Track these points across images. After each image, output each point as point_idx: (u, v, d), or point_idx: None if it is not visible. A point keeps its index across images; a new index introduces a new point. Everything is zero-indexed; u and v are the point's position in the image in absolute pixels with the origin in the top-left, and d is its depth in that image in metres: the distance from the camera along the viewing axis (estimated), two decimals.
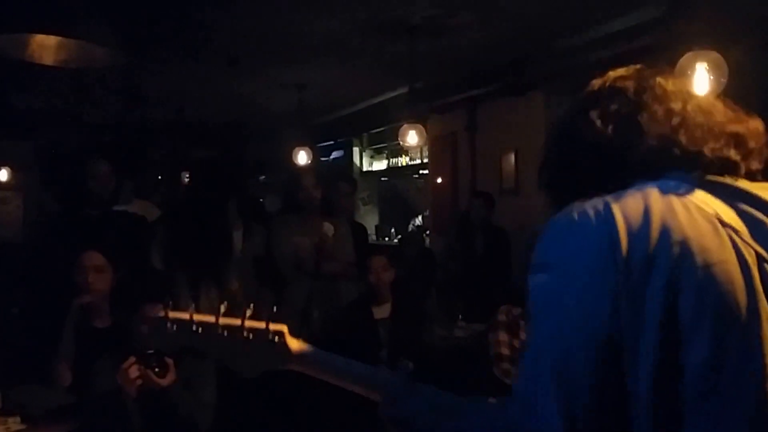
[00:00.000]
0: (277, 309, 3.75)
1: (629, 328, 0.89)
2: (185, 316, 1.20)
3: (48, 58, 3.04)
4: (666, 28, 4.04)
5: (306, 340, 1.24)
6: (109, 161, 3.84)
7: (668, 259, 0.89)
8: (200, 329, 1.19)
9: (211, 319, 1.19)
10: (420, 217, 9.00)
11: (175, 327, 1.20)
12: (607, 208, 0.95)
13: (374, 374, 1.23)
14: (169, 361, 2.57)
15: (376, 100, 7.50)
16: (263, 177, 10.36)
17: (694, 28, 3.44)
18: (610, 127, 1.06)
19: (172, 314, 1.20)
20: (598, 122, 1.07)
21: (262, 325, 1.20)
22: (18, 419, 2.75)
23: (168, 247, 3.74)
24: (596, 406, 0.90)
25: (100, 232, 3.67)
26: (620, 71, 1.13)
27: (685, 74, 3.26)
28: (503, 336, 3.35)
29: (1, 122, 5.85)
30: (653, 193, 0.95)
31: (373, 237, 8.64)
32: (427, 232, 7.90)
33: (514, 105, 5.80)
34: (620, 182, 1.01)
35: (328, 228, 4.10)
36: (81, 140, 7.06)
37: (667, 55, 3.37)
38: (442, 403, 1.14)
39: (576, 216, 0.97)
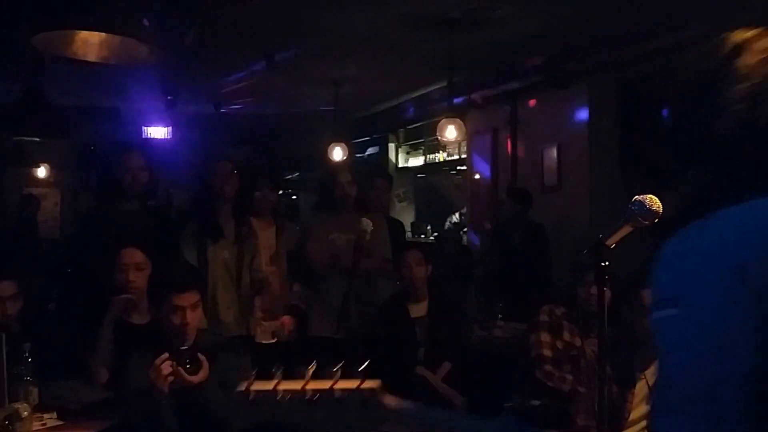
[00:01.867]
0: (312, 305, 3.70)
1: None
2: (269, 386, 1.10)
3: (91, 55, 3.07)
4: (719, 16, 3.88)
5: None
6: (143, 154, 3.82)
7: None
8: (286, 398, 1.09)
9: (297, 385, 1.09)
10: (457, 214, 8.88)
11: (256, 399, 1.11)
12: (735, 224, 0.84)
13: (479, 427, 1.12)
14: (202, 358, 2.54)
15: (413, 95, 7.42)
16: (297, 174, 10.37)
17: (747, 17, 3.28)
18: (754, 111, 0.90)
19: (255, 386, 1.11)
20: (741, 103, 0.90)
21: (353, 384, 1.09)
22: (54, 415, 2.76)
23: (198, 241, 3.75)
24: None
25: (135, 227, 3.67)
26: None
27: None
28: (545, 337, 3.24)
29: (40, 120, 5.94)
30: None
31: (409, 234, 8.56)
32: (465, 229, 7.79)
33: (556, 98, 5.66)
34: (753, 179, 0.89)
35: (367, 224, 4.03)
36: (118, 136, 7.12)
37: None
38: None
39: (698, 238, 0.86)
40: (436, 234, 8.76)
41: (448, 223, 8.90)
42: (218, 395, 2.57)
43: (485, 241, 6.10)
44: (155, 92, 6.47)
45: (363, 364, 1.12)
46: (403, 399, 1.11)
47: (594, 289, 1.91)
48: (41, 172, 7.84)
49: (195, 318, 2.70)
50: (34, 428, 2.64)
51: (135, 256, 3.14)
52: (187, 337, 2.68)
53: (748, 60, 0.92)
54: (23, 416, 2.60)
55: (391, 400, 1.10)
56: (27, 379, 2.79)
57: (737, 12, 3.50)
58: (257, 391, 1.10)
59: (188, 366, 2.52)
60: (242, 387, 1.11)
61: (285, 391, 1.09)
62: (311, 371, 1.09)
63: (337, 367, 1.09)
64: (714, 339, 0.81)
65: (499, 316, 4.72)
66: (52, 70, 4.75)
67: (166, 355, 2.50)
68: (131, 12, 2.81)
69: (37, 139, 7.30)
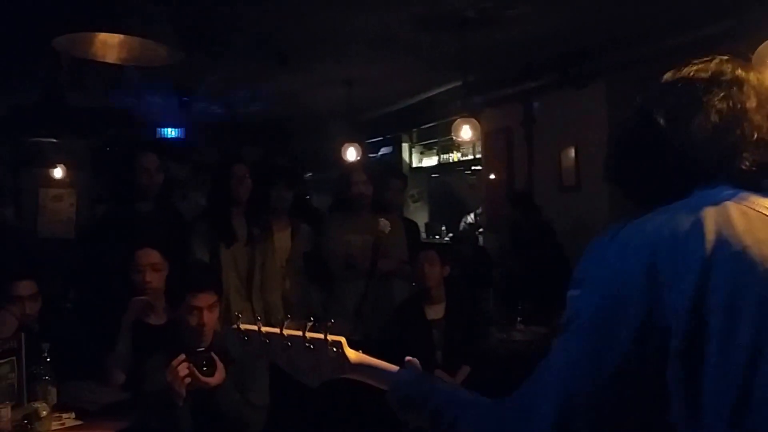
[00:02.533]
0: (328, 307, 3.71)
1: (685, 352, 0.86)
2: (254, 327, 1.31)
3: (111, 56, 3.09)
4: (740, 13, 3.83)
5: (360, 339, 1.37)
6: (157, 155, 3.82)
7: (726, 272, 0.86)
8: (267, 340, 1.30)
9: (276, 330, 1.29)
10: (472, 215, 8.84)
11: (246, 337, 1.31)
12: (653, 227, 0.93)
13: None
14: (218, 360, 2.52)
15: (427, 95, 7.39)
16: (310, 174, 10.37)
17: None
18: (672, 126, 1.00)
19: (243, 326, 1.31)
20: (661, 120, 1.01)
21: (321, 336, 1.27)
22: (73, 415, 2.77)
23: (210, 241, 3.73)
24: (596, 419, 0.90)
25: (151, 228, 3.66)
26: (698, 63, 1.05)
27: (764, 63, 3.06)
28: None
29: (58, 121, 5.98)
30: (707, 204, 0.92)
31: (423, 235, 8.52)
32: (480, 230, 7.75)
33: (573, 98, 5.60)
34: (682, 185, 0.98)
35: (384, 224, 4.01)
36: (133, 138, 7.15)
37: (741, 42, 3.17)
38: (448, 391, 1.19)
39: (618, 236, 0.95)
40: (451, 235, 8.71)
41: (463, 224, 8.86)
42: (234, 397, 2.57)
43: (502, 244, 6.05)
44: (170, 93, 6.49)
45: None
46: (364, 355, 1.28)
47: None
48: (58, 172, 7.88)
49: (212, 319, 2.70)
50: (53, 428, 2.66)
51: (151, 256, 3.14)
52: (203, 338, 2.67)
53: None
54: (42, 416, 2.61)
55: (352, 354, 1.27)
56: (46, 379, 2.82)
57: (756, 8, 3.46)
58: (246, 329, 1.31)
59: (204, 368, 2.51)
60: (235, 325, 1.32)
61: (267, 333, 1.30)
62: (286, 322, 1.30)
63: (310, 320, 1.29)
64: (595, 314, 0.93)
65: (519, 318, 4.67)
66: (71, 72, 4.77)
67: (183, 356, 2.50)
68: (150, 13, 2.81)
69: (54, 140, 7.34)
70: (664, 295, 0.87)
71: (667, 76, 1.07)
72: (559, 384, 0.92)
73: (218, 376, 2.52)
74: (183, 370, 2.47)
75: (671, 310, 0.87)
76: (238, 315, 1.35)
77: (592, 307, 0.93)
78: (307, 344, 1.26)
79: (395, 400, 1.21)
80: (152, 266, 3.12)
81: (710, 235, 0.88)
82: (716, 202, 0.92)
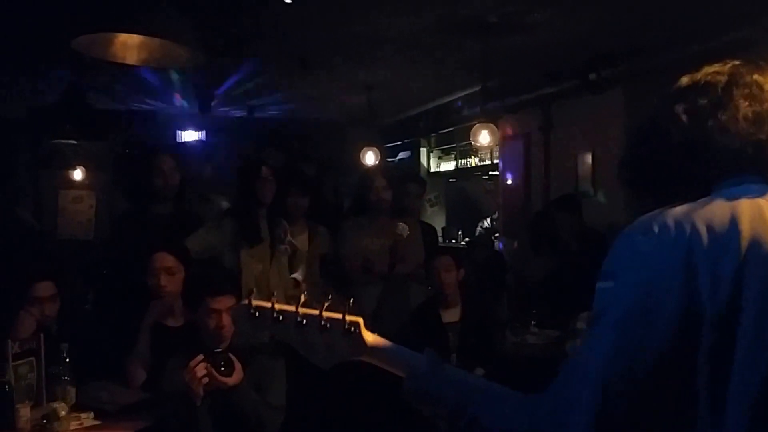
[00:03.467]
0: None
1: (715, 350, 0.87)
2: (267, 304, 1.23)
3: (131, 58, 3.09)
4: (759, 20, 3.80)
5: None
6: (174, 157, 3.85)
7: (759, 272, 0.88)
8: (281, 317, 1.22)
9: (291, 308, 1.22)
10: (488, 220, 8.82)
11: (257, 314, 1.23)
12: (689, 220, 0.92)
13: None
14: (236, 360, 2.54)
15: (446, 100, 7.39)
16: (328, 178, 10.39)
17: None
18: (694, 124, 1.02)
19: (255, 302, 1.23)
20: (684, 117, 1.03)
21: (339, 315, 1.21)
22: (91, 414, 2.79)
23: (232, 243, 3.74)
24: (633, 415, 0.89)
25: (167, 230, 3.69)
26: (714, 66, 1.08)
27: None
28: None
29: (79, 123, 6.03)
30: (742, 201, 0.93)
31: (439, 239, 8.52)
32: (496, 234, 7.73)
33: (591, 104, 5.58)
34: (703, 183, 0.99)
35: (403, 228, 4.02)
36: (153, 140, 7.20)
37: (760, 49, 3.15)
38: (468, 384, 1.16)
39: (653, 228, 0.95)
40: (467, 239, 8.70)
41: (479, 228, 8.84)
42: (252, 397, 2.58)
43: (518, 249, 6.02)
44: (190, 96, 6.54)
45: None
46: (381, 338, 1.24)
47: None
48: (77, 174, 7.95)
49: (230, 321, 2.69)
50: (72, 427, 2.68)
51: (166, 260, 3.14)
52: (222, 340, 2.69)
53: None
54: (61, 415, 2.64)
55: (369, 336, 1.22)
56: (65, 379, 2.85)
57: None
58: (258, 306, 1.23)
59: (222, 368, 2.53)
60: (246, 301, 1.24)
61: (281, 309, 1.23)
62: (304, 299, 1.23)
63: (327, 299, 1.24)
64: (631, 307, 0.92)
65: (533, 322, 4.65)
66: (91, 73, 4.82)
67: (201, 357, 2.52)
68: (171, 15, 2.82)
69: (74, 142, 7.41)
70: (700, 290, 0.88)
71: (685, 79, 1.09)
72: (596, 378, 0.91)
73: (236, 377, 2.53)
74: (201, 370, 2.49)
75: (706, 304, 0.88)
76: (251, 290, 1.30)
77: (628, 300, 0.92)
78: (323, 323, 1.21)
79: (410, 392, 1.18)
80: (166, 270, 3.12)
81: (746, 233, 0.90)
82: (750, 198, 0.94)
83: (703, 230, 0.91)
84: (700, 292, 0.88)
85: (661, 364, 0.89)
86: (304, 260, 4.02)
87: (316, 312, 1.21)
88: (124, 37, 2.96)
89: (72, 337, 3.00)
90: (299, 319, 1.21)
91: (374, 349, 1.22)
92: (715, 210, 0.93)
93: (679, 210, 0.95)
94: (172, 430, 2.60)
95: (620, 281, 0.94)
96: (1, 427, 2.62)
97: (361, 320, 1.22)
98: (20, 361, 2.76)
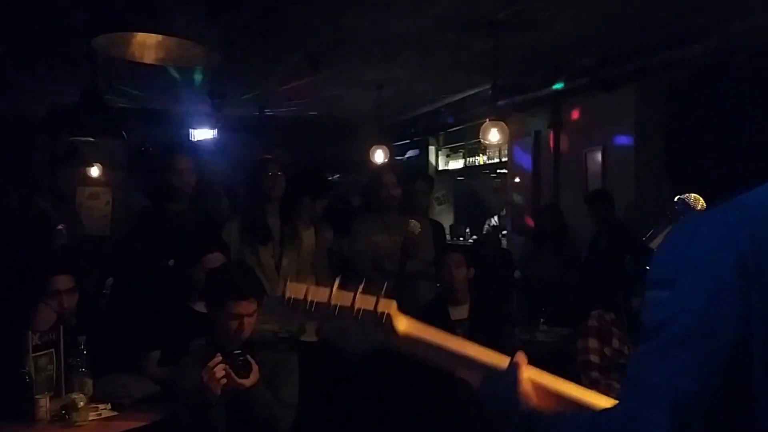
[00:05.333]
0: None
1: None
2: (301, 294, 1.21)
3: (149, 57, 3.11)
4: None
5: None
6: (191, 156, 3.89)
7: None
8: (314, 306, 1.20)
9: (325, 296, 1.20)
10: (496, 217, 8.85)
11: (291, 303, 1.21)
12: (737, 221, 0.92)
13: (485, 352, 1.19)
14: (254, 362, 2.55)
15: (455, 98, 7.40)
16: (338, 176, 10.43)
17: None
18: (757, 117, 1.01)
19: (287, 293, 1.22)
20: (732, 116, 1.02)
21: (371, 302, 1.18)
22: (108, 406, 2.84)
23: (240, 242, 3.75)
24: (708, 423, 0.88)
25: (184, 227, 3.73)
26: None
27: None
28: (594, 343, 3.20)
29: (97, 121, 6.08)
30: None
31: (447, 237, 8.54)
32: (504, 232, 7.75)
33: (601, 102, 5.59)
34: (748, 175, 0.98)
35: (415, 225, 4.05)
36: (168, 138, 7.26)
37: None
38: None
39: (702, 232, 0.93)
40: (474, 237, 8.73)
41: (486, 226, 8.87)
42: (266, 397, 2.59)
43: (527, 246, 6.03)
44: (202, 94, 6.58)
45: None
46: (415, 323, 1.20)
47: None
48: (94, 171, 8.08)
49: (251, 324, 2.68)
50: (90, 418, 2.72)
51: (218, 259, 3.21)
52: (240, 342, 2.67)
53: None
54: (80, 406, 2.68)
55: (402, 323, 1.18)
56: (82, 371, 2.88)
57: None
58: (291, 298, 1.22)
59: (241, 371, 2.52)
60: (279, 292, 1.23)
61: (313, 301, 1.20)
62: (337, 284, 1.21)
63: (359, 286, 1.21)
64: (697, 320, 0.89)
65: (542, 320, 4.68)
66: (110, 72, 4.86)
67: (220, 358, 2.51)
68: (188, 15, 2.85)
69: (92, 140, 7.50)
70: (754, 291, 0.88)
71: (739, 57, 1.08)
72: (670, 392, 0.89)
73: (253, 378, 2.54)
74: (220, 371, 2.48)
75: (759, 306, 0.87)
76: (285, 281, 1.27)
77: (695, 311, 0.90)
78: (355, 312, 1.19)
79: (489, 395, 1.15)
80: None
81: None
82: None
83: (754, 231, 0.91)
84: (753, 293, 0.87)
85: (733, 370, 0.88)
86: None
87: (349, 301, 1.20)
88: (142, 37, 2.99)
89: (89, 329, 3.05)
90: (331, 308, 1.20)
91: (408, 339, 1.19)
92: (760, 210, 0.93)
93: (722, 210, 0.95)
94: (185, 426, 2.61)
95: (679, 290, 0.92)
96: (21, 417, 2.67)
97: (393, 308, 1.19)
98: (40, 353, 2.81)
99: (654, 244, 1.76)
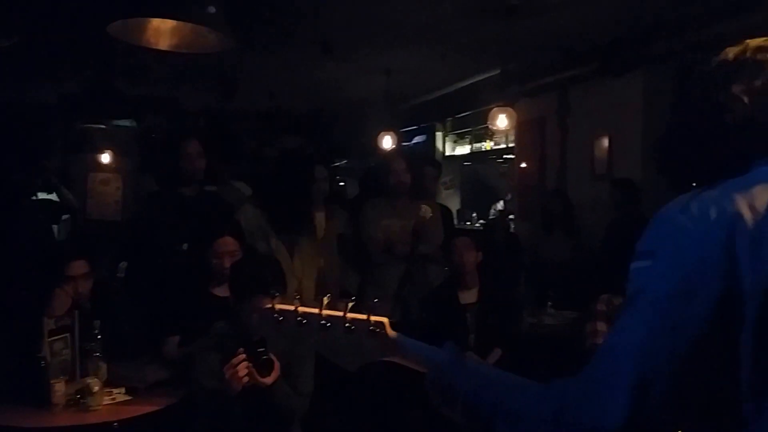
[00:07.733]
0: (365, 290, 3.64)
1: (757, 331, 0.87)
2: (291, 307, 1.24)
3: (163, 43, 3.09)
4: None
5: (399, 323, 1.25)
6: (200, 141, 3.92)
7: None
8: (305, 321, 1.22)
9: (315, 310, 1.22)
10: (501, 202, 8.86)
11: (280, 318, 1.24)
12: (730, 201, 0.92)
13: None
14: (275, 359, 2.55)
15: (463, 84, 7.39)
16: (346, 161, 10.45)
17: None
18: (755, 104, 1.01)
19: (278, 306, 1.25)
20: (745, 98, 1.02)
21: (363, 317, 1.20)
22: (123, 390, 2.87)
23: (255, 228, 3.77)
24: (671, 397, 0.88)
25: (194, 211, 3.76)
26: (758, 41, 1.06)
27: None
28: (601, 327, 3.23)
29: (108, 108, 6.13)
30: None
31: (454, 221, 8.55)
32: (511, 216, 7.77)
33: (609, 87, 5.55)
34: (743, 162, 0.98)
35: (426, 210, 4.08)
36: (179, 125, 7.29)
37: None
38: (488, 376, 1.12)
39: (692, 208, 0.94)
40: (482, 221, 8.74)
41: (493, 211, 8.90)
42: (285, 391, 2.60)
43: (535, 230, 6.04)
44: (214, 81, 6.58)
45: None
46: (406, 337, 1.21)
47: None
48: (105, 157, 8.16)
49: None
50: (104, 402, 2.74)
51: (230, 244, 3.26)
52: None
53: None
54: (94, 391, 2.71)
55: (393, 335, 1.20)
56: (96, 355, 2.90)
57: None
58: (281, 310, 1.24)
59: (264, 369, 2.52)
60: (269, 304, 1.25)
61: (304, 313, 1.23)
62: (326, 301, 1.22)
63: (350, 299, 1.23)
64: (672, 286, 0.91)
65: (549, 303, 4.71)
66: (121, 59, 4.85)
67: (243, 355, 2.50)
68: (203, 0, 2.83)
69: (103, 126, 7.55)
70: (742, 271, 0.88)
71: (730, 56, 1.06)
72: (633, 360, 0.90)
73: (274, 375, 2.54)
74: (242, 370, 2.48)
75: (748, 286, 0.87)
76: (274, 294, 1.30)
77: (668, 279, 0.91)
78: (347, 324, 1.20)
79: (432, 384, 1.15)
80: (230, 253, 3.22)
81: None
82: None
83: (746, 212, 0.90)
84: (742, 273, 0.88)
85: (700, 344, 0.88)
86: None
87: (340, 314, 1.21)
88: (156, 23, 2.97)
89: (104, 314, 3.08)
90: (323, 321, 1.21)
91: (400, 350, 1.20)
92: (758, 192, 0.92)
93: (718, 190, 0.95)
94: (203, 415, 2.62)
95: (659, 261, 0.93)
96: (37, 401, 2.71)
97: (386, 320, 1.21)
98: (55, 338, 2.85)
99: None
